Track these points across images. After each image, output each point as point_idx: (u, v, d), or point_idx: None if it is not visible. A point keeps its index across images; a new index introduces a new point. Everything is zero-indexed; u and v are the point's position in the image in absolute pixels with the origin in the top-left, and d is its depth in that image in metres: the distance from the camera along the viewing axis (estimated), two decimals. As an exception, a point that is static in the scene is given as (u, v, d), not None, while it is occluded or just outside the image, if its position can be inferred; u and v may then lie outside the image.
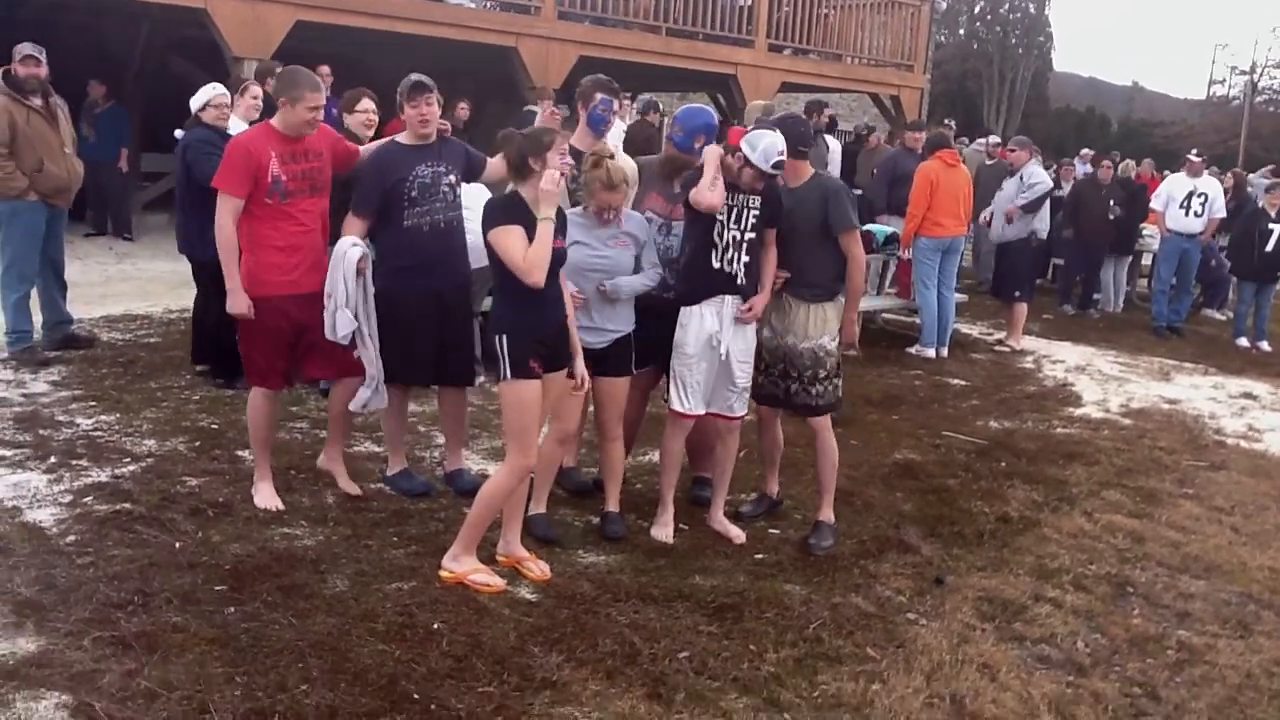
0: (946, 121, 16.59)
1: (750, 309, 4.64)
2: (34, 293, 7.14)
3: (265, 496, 4.77)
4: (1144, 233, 12.78)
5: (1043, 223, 10.23)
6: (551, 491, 4.90)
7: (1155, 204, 11.76)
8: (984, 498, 5.66)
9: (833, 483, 4.97)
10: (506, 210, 4.04)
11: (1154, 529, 5.39)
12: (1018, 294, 10.04)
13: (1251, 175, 16.70)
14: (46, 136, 6.91)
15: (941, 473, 6.04)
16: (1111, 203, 12.11)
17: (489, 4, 13.12)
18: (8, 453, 5.22)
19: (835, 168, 12.40)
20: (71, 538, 4.32)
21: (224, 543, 4.35)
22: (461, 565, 4.15)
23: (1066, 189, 13.32)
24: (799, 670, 3.71)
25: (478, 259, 5.20)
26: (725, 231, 4.57)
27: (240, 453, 5.35)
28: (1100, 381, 8.83)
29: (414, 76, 4.77)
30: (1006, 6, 53.19)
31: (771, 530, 5.01)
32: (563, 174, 4.09)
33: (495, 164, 4.95)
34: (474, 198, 5.38)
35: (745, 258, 4.61)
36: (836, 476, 5.01)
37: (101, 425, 5.74)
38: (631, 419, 5.14)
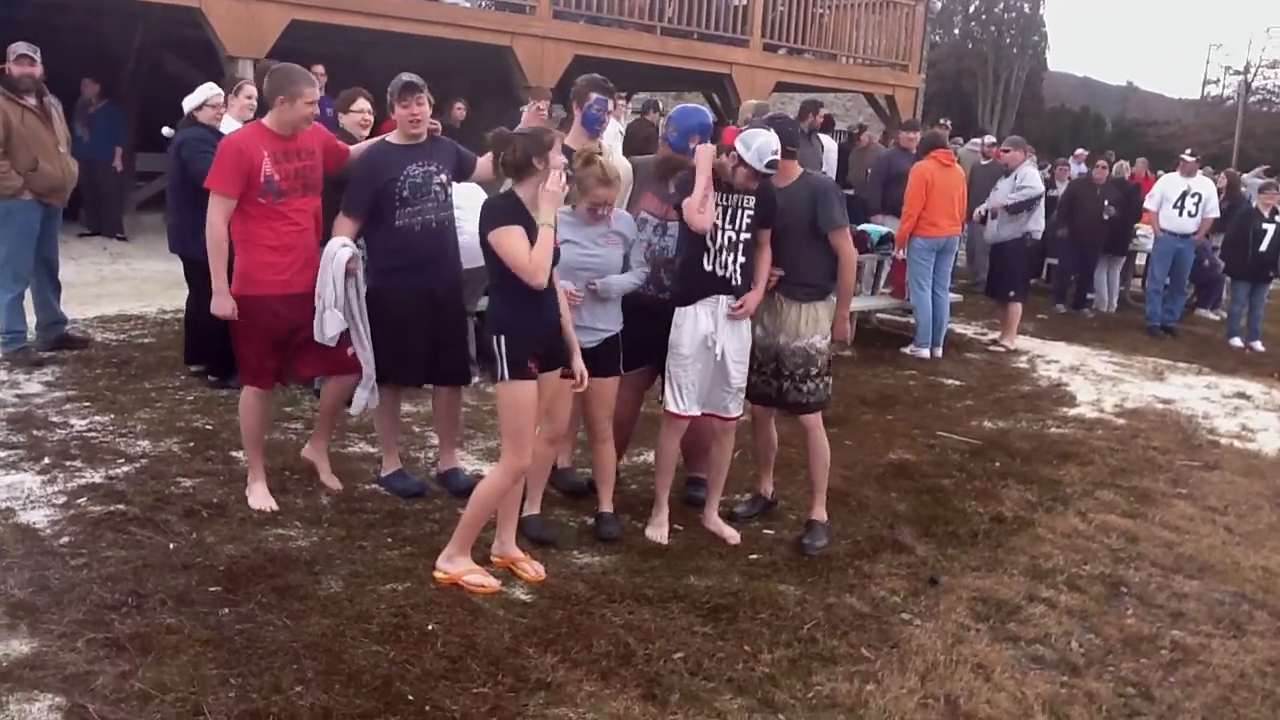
0: (942, 121, 16.64)
1: (742, 306, 4.64)
2: (28, 293, 7.13)
3: (259, 497, 4.76)
4: (1138, 233, 12.81)
5: (1037, 223, 10.25)
6: (546, 492, 4.91)
7: (1149, 204, 11.78)
8: (978, 498, 5.67)
9: (825, 481, 4.97)
10: (506, 211, 4.02)
11: (1148, 529, 5.40)
12: (1012, 294, 10.06)
13: (1245, 175, 16.73)
14: (41, 136, 6.90)
15: (936, 473, 6.05)
16: (1106, 203, 12.14)
17: (484, 3, 13.12)
18: (1, 454, 5.21)
19: (831, 168, 12.41)
20: (65, 539, 4.31)
21: (218, 544, 4.34)
22: (456, 566, 4.15)
23: (1061, 189, 13.35)
24: (794, 671, 3.71)
25: (471, 259, 5.21)
26: (720, 233, 4.58)
27: (234, 453, 5.34)
28: (1094, 381, 8.84)
29: (405, 76, 4.77)
30: (1001, 6, 53.21)
31: (766, 531, 5.01)
32: (565, 175, 4.09)
33: (485, 163, 4.95)
34: (467, 197, 5.38)
35: (740, 258, 4.61)
36: (831, 476, 5.02)
37: (95, 426, 5.73)
38: (626, 420, 5.14)
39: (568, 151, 4.53)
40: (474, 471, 5.32)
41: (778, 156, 4.47)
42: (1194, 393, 8.70)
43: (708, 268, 4.59)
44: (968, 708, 3.58)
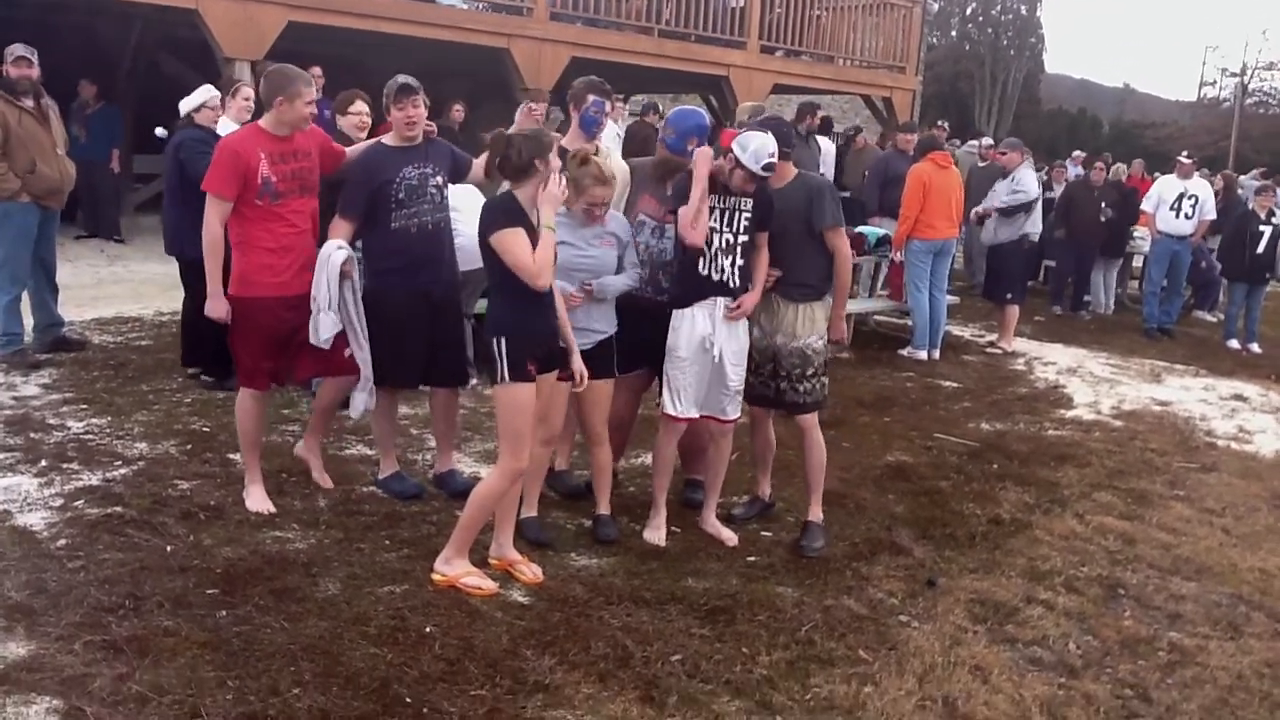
0: (939, 123, 16.64)
1: (739, 306, 4.64)
2: (25, 295, 7.12)
3: (256, 500, 4.76)
4: (1135, 235, 12.82)
5: (1035, 225, 10.26)
6: (544, 494, 4.91)
7: (1146, 206, 11.80)
8: (976, 500, 5.67)
9: (821, 482, 4.98)
10: (507, 213, 4.02)
11: (1145, 531, 5.41)
12: (1009, 296, 10.07)
13: (1242, 177, 16.78)
14: (39, 137, 6.89)
15: (933, 475, 6.05)
16: (1103, 205, 12.15)
17: (481, 5, 13.11)
18: (-2, 456, 5.21)
19: (829, 170, 12.42)
20: (62, 541, 4.31)
21: (215, 546, 4.34)
22: (454, 568, 4.15)
23: (1058, 191, 13.36)
24: (791, 673, 3.71)
25: (469, 261, 5.21)
26: (718, 236, 4.58)
27: (232, 456, 5.34)
28: (1091, 383, 8.85)
29: (400, 78, 4.77)
30: (998, 8, 53.34)
31: (764, 533, 5.01)
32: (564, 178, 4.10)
33: (480, 165, 4.95)
34: (464, 199, 5.38)
35: (739, 261, 4.61)
36: (828, 478, 5.02)
37: (93, 428, 5.72)
38: (624, 422, 5.15)
39: (564, 154, 4.54)
40: (471, 474, 5.32)
41: (774, 159, 4.48)
42: (1191, 394, 8.71)
43: (705, 271, 4.59)
44: (965, 709, 3.58)
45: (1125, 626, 4.31)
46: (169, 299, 8.59)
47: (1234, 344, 11.04)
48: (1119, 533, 5.34)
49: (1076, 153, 20.99)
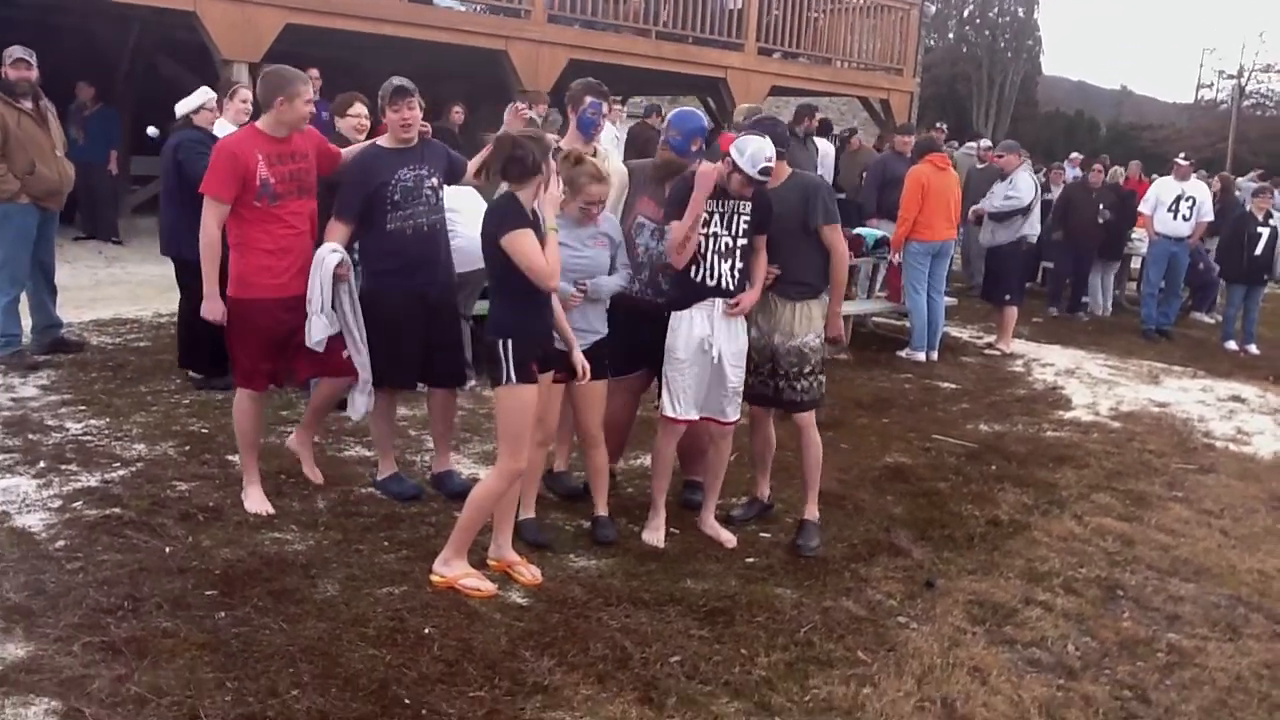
0: (937, 125, 16.66)
1: (737, 304, 4.64)
2: (24, 296, 7.12)
3: (255, 501, 4.75)
4: (1133, 236, 12.84)
5: (1033, 227, 10.27)
6: (542, 496, 4.91)
7: (1143, 207, 11.82)
8: (974, 501, 5.67)
9: (817, 480, 4.98)
10: (514, 214, 4.02)
11: (1143, 532, 5.41)
12: (1008, 297, 10.07)
13: (1239, 179, 16.80)
14: (37, 139, 6.89)
15: (932, 476, 6.06)
16: (1101, 206, 12.17)
17: (479, 7, 13.12)
18: (-4, 457, 5.21)
19: (828, 171, 12.44)
20: (61, 543, 4.30)
21: (214, 547, 4.33)
22: (452, 570, 4.15)
23: (1056, 193, 13.37)
24: (790, 674, 3.71)
25: (466, 262, 5.20)
26: (717, 239, 4.58)
27: (230, 457, 5.33)
28: (1090, 385, 8.86)
29: (395, 80, 4.77)
30: (996, 10, 53.38)
31: (763, 534, 5.01)
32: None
33: (473, 166, 4.95)
34: (461, 200, 5.38)
35: (739, 264, 4.61)
36: (827, 480, 5.02)
37: (91, 429, 5.72)
38: (622, 423, 5.14)
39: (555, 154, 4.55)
40: (470, 475, 5.32)
41: (772, 163, 4.48)
42: (1189, 396, 8.72)
43: (703, 272, 4.59)
44: (964, 711, 3.58)
45: (1124, 628, 4.31)
46: (167, 300, 8.58)
47: (1232, 345, 11.06)
48: (1117, 534, 5.34)
49: (1074, 155, 21.03)
